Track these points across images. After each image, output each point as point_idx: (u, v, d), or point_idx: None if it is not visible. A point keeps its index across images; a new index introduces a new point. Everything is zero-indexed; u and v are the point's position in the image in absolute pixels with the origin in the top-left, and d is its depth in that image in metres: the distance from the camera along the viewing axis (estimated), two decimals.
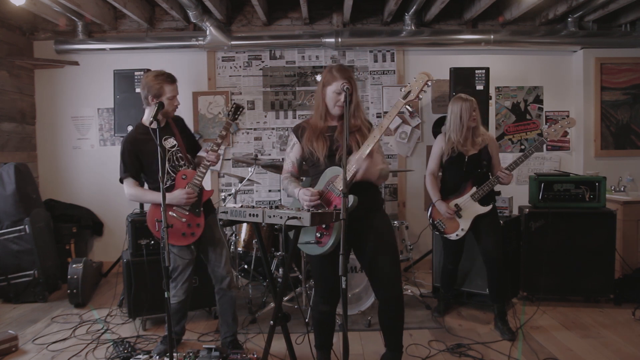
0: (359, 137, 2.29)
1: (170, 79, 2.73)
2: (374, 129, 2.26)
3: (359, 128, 2.33)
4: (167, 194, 2.63)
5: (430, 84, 2.16)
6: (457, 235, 3.27)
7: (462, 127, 3.15)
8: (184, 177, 2.74)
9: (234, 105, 2.93)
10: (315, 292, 2.44)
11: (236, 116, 2.92)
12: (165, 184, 2.66)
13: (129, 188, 2.72)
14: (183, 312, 2.93)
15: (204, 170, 2.73)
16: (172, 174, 2.73)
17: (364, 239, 2.31)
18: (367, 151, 2.17)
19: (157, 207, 2.68)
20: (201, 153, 2.91)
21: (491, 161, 3.25)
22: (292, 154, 2.44)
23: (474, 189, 3.21)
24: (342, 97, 2.24)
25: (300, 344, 2.65)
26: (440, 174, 3.43)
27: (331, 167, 2.26)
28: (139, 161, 2.72)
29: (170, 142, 2.78)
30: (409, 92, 2.17)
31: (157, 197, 2.60)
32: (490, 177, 3.24)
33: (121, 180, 2.74)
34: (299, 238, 2.27)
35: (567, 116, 5.02)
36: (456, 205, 3.24)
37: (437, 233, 3.41)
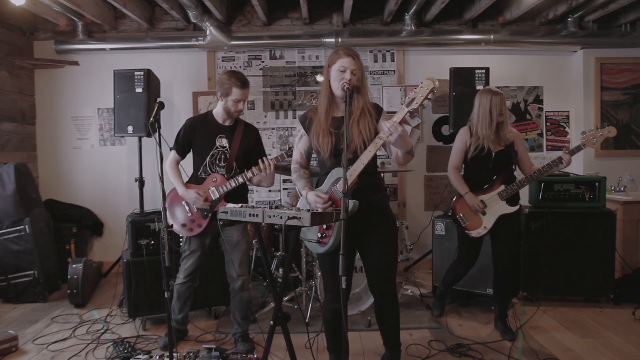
0: (362, 126, 2.22)
1: (241, 82, 2.80)
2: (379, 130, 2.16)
3: (362, 115, 2.24)
4: (183, 188, 2.84)
5: (435, 91, 2.04)
6: (478, 232, 3.13)
7: (491, 122, 3.02)
8: (214, 179, 2.86)
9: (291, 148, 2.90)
10: (325, 293, 2.43)
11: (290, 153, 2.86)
12: (200, 174, 2.89)
13: (169, 160, 2.91)
14: (184, 299, 3.02)
15: (234, 184, 2.82)
16: (209, 170, 2.88)
17: (368, 240, 2.31)
18: (366, 161, 2.12)
19: (177, 193, 2.91)
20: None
21: (517, 157, 3.13)
22: (300, 145, 2.39)
23: (503, 186, 3.09)
24: (346, 75, 2.18)
25: (310, 347, 2.63)
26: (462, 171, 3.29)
27: (337, 168, 2.22)
28: (189, 143, 2.91)
29: (222, 142, 2.88)
30: (413, 99, 2.05)
31: (177, 182, 2.87)
32: (518, 176, 3.12)
33: (170, 149, 2.92)
34: (305, 235, 2.28)
35: (568, 116, 5.04)
36: (482, 201, 3.11)
37: (458, 228, 3.25)
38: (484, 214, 3.12)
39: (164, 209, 2.37)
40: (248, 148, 2.92)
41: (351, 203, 2.10)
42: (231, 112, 2.85)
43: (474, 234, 3.15)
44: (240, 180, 2.81)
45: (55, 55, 4.90)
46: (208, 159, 2.85)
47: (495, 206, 3.10)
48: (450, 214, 3.30)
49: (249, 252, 3.16)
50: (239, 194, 2.88)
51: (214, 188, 2.84)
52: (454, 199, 3.26)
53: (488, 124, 3.03)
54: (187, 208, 2.89)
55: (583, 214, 3.71)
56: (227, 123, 2.91)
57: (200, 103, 4.98)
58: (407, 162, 2.24)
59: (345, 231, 1.91)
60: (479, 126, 3.06)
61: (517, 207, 3.10)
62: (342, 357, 2.12)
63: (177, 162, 2.93)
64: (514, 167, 3.17)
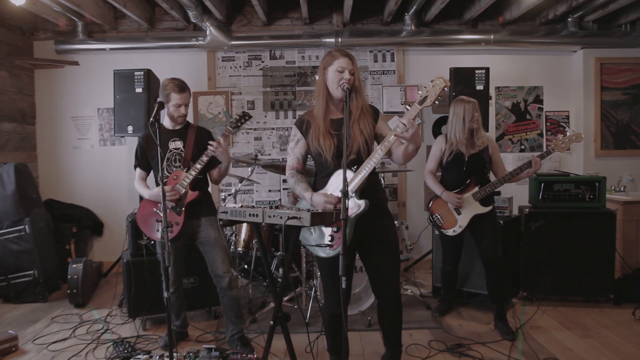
0: (363, 126, 2.24)
1: (178, 87, 2.86)
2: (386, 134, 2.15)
3: (362, 114, 2.26)
4: (149, 191, 2.91)
5: (447, 89, 2.07)
6: (454, 231, 3.28)
7: (464, 129, 3.18)
8: (175, 177, 2.89)
9: (242, 113, 3.03)
10: (326, 296, 2.42)
11: (239, 124, 3.04)
12: (162, 180, 2.85)
13: (136, 179, 3.01)
14: (177, 308, 3.05)
15: (193, 173, 2.84)
16: (167, 173, 2.91)
17: (369, 241, 2.30)
18: (378, 160, 2.12)
19: (146, 202, 2.95)
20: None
21: (492, 162, 3.28)
22: (296, 150, 2.37)
23: (477, 188, 3.22)
24: (345, 75, 2.18)
25: (309, 352, 2.64)
26: (439, 174, 3.44)
27: (341, 170, 2.21)
28: (145, 156, 2.94)
29: (176, 144, 2.92)
30: (426, 97, 2.07)
31: (142, 190, 2.95)
32: (492, 179, 3.26)
33: (135, 168, 3.03)
34: (309, 240, 2.26)
35: (568, 116, 5.04)
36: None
37: (435, 227, 3.42)
38: (459, 213, 3.26)
39: (164, 209, 2.37)
40: (202, 146, 2.93)
41: (363, 203, 2.11)
42: (174, 117, 2.90)
43: (450, 232, 3.30)
44: (199, 167, 2.83)
45: (55, 55, 4.90)
46: (165, 163, 2.88)
47: (469, 206, 3.24)
48: (428, 213, 3.45)
49: (228, 247, 3.20)
50: (200, 183, 2.94)
51: (178, 185, 2.84)
52: (430, 201, 3.43)
53: (461, 130, 3.19)
54: (159, 212, 2.88)
55: (583, 214, 3.71)
56: (177, 127, 2.97)
57: (200, 103, 4.98)
58: (410, 159, 2.27)
59: (348, 231, 1.91)
60: (453, 132, 3.23)
61: (490, 208, 3.24)
62: (342, 359, 2.12)
63: (144, 179, 3.00)
64: (487, 170, 3.29)
